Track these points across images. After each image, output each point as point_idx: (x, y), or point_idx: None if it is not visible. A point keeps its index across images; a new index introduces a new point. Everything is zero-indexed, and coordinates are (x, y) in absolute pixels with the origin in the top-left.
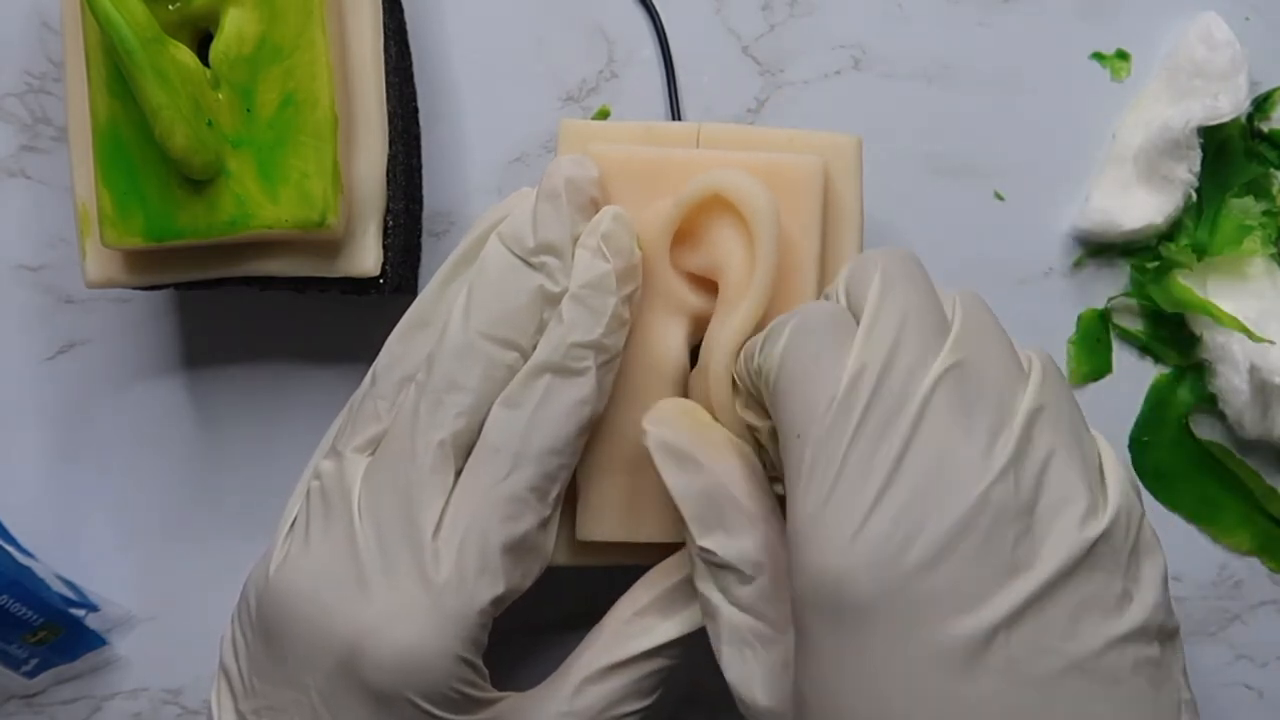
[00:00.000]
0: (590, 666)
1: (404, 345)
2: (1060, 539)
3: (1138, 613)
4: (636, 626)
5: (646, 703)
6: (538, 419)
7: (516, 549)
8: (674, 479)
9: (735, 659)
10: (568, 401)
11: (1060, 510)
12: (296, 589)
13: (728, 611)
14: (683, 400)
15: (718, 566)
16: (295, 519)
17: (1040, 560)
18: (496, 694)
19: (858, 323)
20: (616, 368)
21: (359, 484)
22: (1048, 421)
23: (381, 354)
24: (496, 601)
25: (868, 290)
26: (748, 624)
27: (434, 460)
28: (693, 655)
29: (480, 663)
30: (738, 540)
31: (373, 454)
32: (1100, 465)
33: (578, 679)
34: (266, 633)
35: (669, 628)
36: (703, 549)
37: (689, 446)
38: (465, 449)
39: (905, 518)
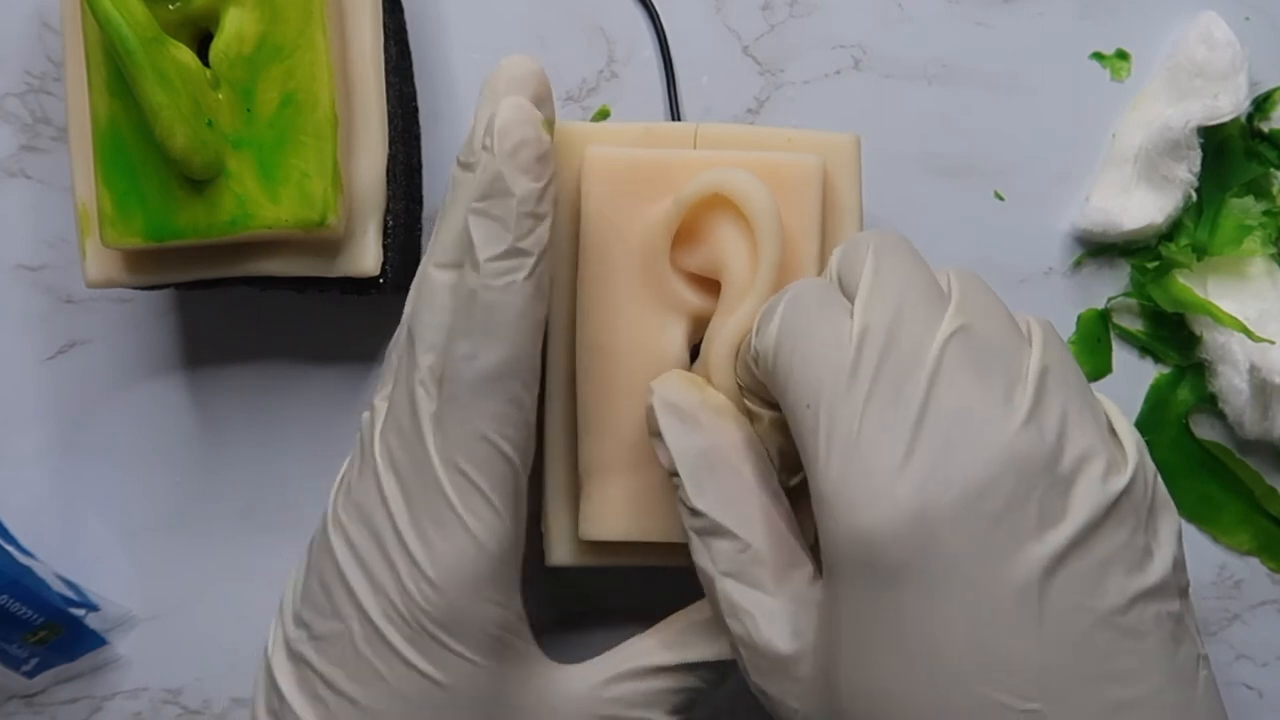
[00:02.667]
0: (634, 661)
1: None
2: (1087, 492)
3: (1159, 568)
4: (691, 637)
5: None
6: (485, 342)
7: (513, 482)
8: (673, 437)
9: (742, 631)
10: (508, 317)
11: (1083, 465)
12: (340, 526)
13: (722, 582)
14: (688, 373)
15: (710, 535)
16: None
17: (1070, 513)
18: (537, 651)
19: (851, 301)
20: (547, 259)
21: (379, 431)
22: (1057, 381)
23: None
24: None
25: (861, 267)
26: (747, 594)
27: (422, 400)
28: (714, 697)
29: (518, 611)
30: (733, 505)
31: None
32: (1109, 424)
33: (619, 669)
34: (316, 565)
35: (720, 648)
36: (694, 511)
37: (692, 407)
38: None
39: (934, 474)
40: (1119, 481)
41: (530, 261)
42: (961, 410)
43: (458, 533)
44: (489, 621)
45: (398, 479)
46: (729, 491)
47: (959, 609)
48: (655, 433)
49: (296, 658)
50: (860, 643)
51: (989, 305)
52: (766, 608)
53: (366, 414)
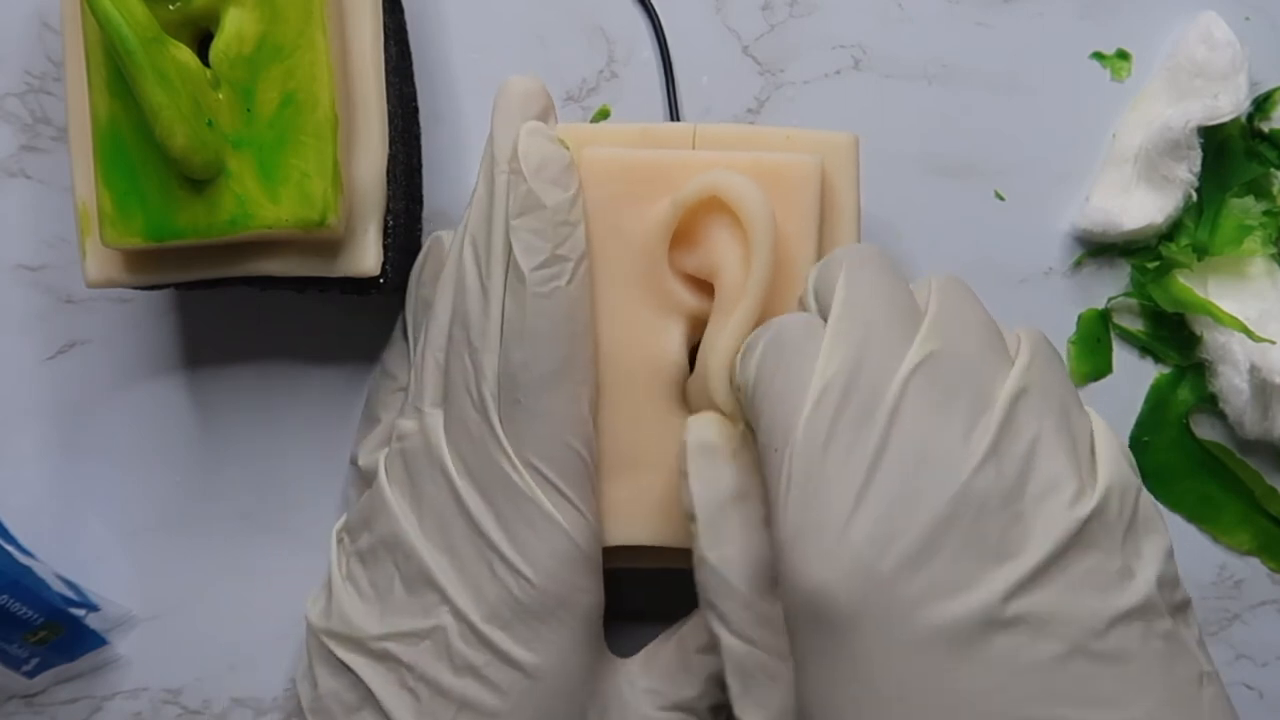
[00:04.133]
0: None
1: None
2: (1050, 522)
3: (1141, 587)
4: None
5: (722, 699)
6: (539, 347)
7: (586, 476)
8: (697, 473)
9: (741, 693)
10: (557, 321)
11: (1047, 495)
12: (419, 530)
13: (729, 642)
14: (722, 416)
15: (719, 590)
16: (384, 477)
17: (1030, 545)
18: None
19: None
20: (586, 261)
21: (444, 438)
22: (1033, 405)
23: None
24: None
25: (833, 292)
26: (750, 655)
27: (490, 407)
28: None
29: (602, 600)
30: (742, 560)
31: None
32: (1092, 443)
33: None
34: (385, 566)
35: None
36: (703, 559)
37: (722, 449)
38: None
39: (885, 519)
40: (1086, 506)
41: (570, 266)
42: (918, 449)
43: (547, 530)
44: (582, 610)
45: (475, 485)
46: (738, 546)
47: (914, 651)
48: (683, 471)
49: (380, 654)
50: (821, 697)
51: (968, 322)
52: (768, 666)
53: (410, 422)
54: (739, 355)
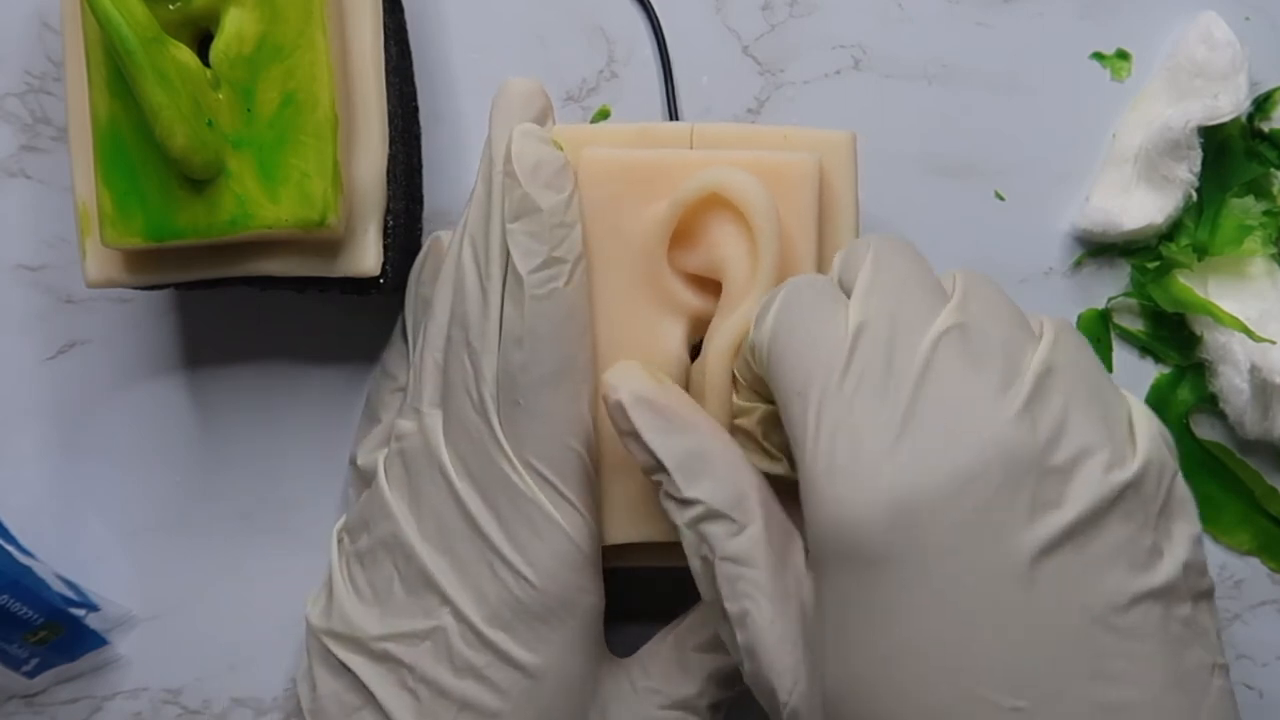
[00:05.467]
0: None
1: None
2: (1086, 483)
3: (1168, 568)
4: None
5: (729, 694)
6: (538, 349)
7: (586, 476)
8: (653, 434)
9: (740, 613)
10: (556, 322)
11: (1082, 458)
12: (417, 532)
13: (723, 568)
14: (635, 362)
15: (706, 521)
16: (383, 479)
17: (1067, 502)
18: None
19: (849, 297)
20: (584, 262)
21: (443, 439)
22: (1063, 378)
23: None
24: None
25: (861, 266)
26: (747, 576)
27: (489, 409)
28: None
29: (602, 599)
30: (725, 490)
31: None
32: (1130, 421)
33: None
34: (383, 567)
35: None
36: (687, 501)
37: (663, 399)
38: None
39: (920, 461)
40: (1123, 474)
41: (568, 268)
42: (952, 400)
43: (547, 531)
44: (582, 610)
45: (474, 485)
46: (720, 477)
47: (943, 599)
48: (628, 432)
49: (381, 655)
50: (844, 635)
51: (994, 305)
52: (767, 587)
53: (407, 423)
54: (753, 319)
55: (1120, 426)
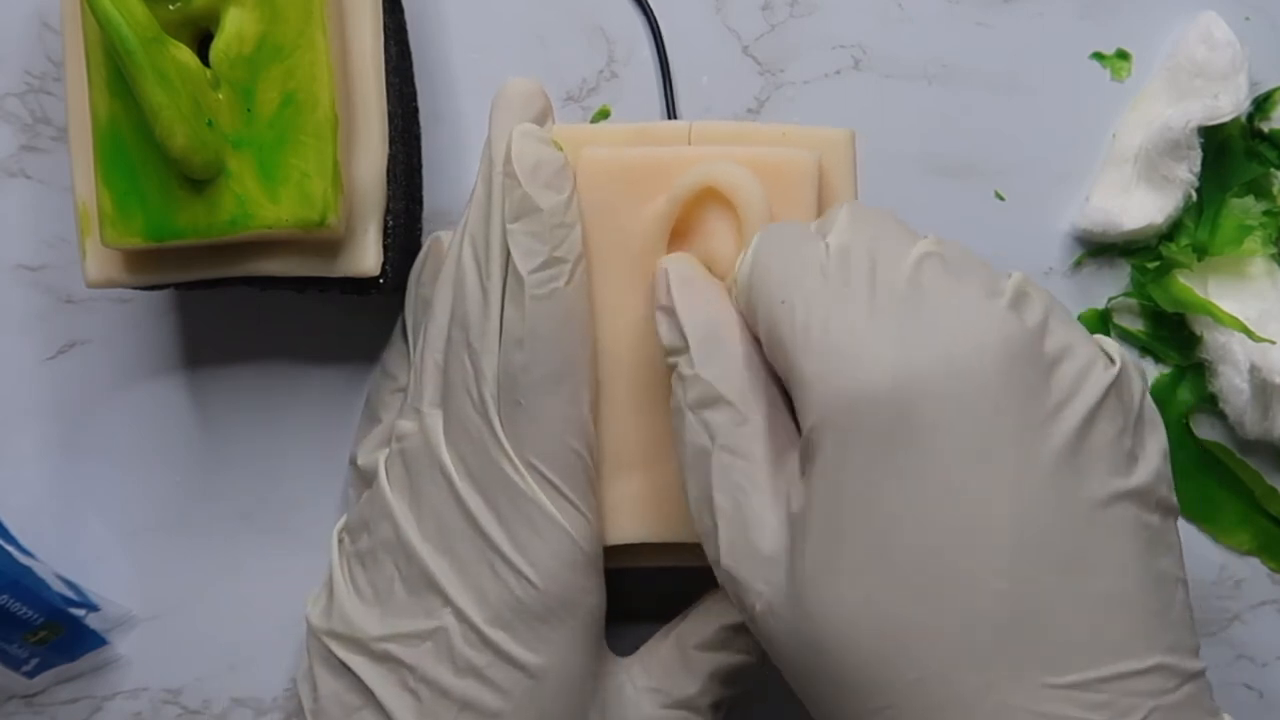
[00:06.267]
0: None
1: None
2: (1079, 380)
3: (1143, 474)
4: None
5: (730, 692)
6: (539, 349)
7: (586, 477)
8: (686, 309)
9: (729, 506)
10: (557, 322)
11: (1069, 353)
12: (418, 533)
13: (720, 457)
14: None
15: (709, 405)
16: (385, 479)
17: (1062, 391)
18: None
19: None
20: (584, 262)
21: (443, 439)
22: (1038, 297)
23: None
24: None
25: (838, 215)
26: (740, 468)
27: (490, 409)
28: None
29: (604, 599)
30: (737, 376)
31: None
32: (1098, 342)
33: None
34: (384, 567)
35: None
36: (695, 379)
37: (709, 288)
38: None
39: (918, 340)
40: (1110, 373)
41: (568, 268)
42: (942, 299)
43: (548, 531)
44: (584, 610)
45: (475, 486)
46: (734, 366)
47: (938, 471)
48: (664, 306)
49: (382, 655)
50: (834, 523)
51: (965, 252)
52: (761, 483)
53: (408, 423)
54: (736, 264)
55: (1093, 342)
